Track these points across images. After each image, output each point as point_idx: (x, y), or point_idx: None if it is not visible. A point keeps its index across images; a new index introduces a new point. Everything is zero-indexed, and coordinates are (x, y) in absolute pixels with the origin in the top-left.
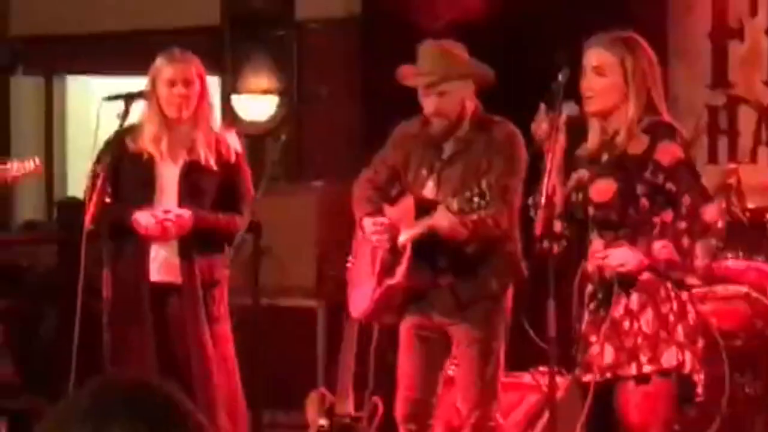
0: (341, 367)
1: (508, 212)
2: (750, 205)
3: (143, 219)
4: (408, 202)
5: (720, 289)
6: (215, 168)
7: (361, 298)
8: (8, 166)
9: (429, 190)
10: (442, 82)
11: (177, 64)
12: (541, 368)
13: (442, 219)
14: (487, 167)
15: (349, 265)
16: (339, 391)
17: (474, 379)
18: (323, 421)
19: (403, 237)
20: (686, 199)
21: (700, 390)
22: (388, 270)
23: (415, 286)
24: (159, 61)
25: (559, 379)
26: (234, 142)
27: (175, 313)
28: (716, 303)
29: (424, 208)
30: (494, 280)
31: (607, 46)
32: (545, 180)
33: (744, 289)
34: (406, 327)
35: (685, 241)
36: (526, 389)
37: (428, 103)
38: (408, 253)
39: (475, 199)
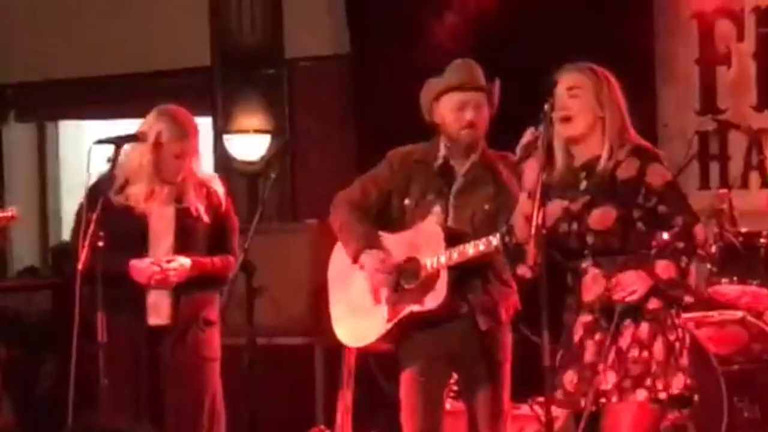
0: (339, 403)
1: None
2: (742, 230)
3: (145, 268)
4: (432, 229)
5: (715, 314)
6: (205, 217)
7: (363, 328)
8: None
9: (435, 217)
10: (481, 92)
11: (185, 141)
12: (539, 399)
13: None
14: (494, 206)
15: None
16: (337, 428)
17: (489, 410)
18: None
19: (439, 260)
20: (679, 220)
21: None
22: (401, 297)
23: (444, 313)
24: (163, 128)
25: (556, 409)
26: (218, 187)
27: (165, 354)
28: (712, 328)
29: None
30: (503, 309)
31: (580, 70)
32: (535, 210)
33: (739, 313)
34: (414, 363)
35: (684, 261)
36: (524, 420)
37: (463, 116)
38: (446, 278)
39: (506, 238)
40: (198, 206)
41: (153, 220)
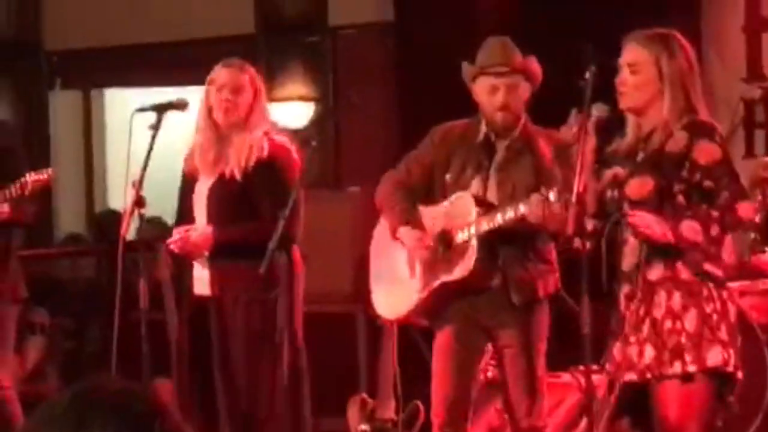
0: (381, 371)
1: None
2: None
3: (173, 237)
4: (464, 199)
5: (759, 283)
6: (240, 179)
7: (397, 299)
8: (25, 178)
9: (473, 191)
10: (514, 74)
11: (229, 69)
12: (581, 367)
13: (536, 208)
14: (553, 171)
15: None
16: (380, 396)
17: (522, 382)
18: (365, 426)
19: (469, 230)
20: (724, 194)
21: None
22: (433, 268)
23: (474, 283)
24: (215, 68)
25: (597, 377)
26: (261, 148)
27: (212, 326)
28: (756, 297)
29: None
30: (541, 286)
31: (643, 43)
32: (576, 179)
33: None
34: (446, 330)
35: (714, 230)
36: (566, 389)
37: (495, 99)
38: (475, 247)
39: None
40: (234, 170)
41: (200, 186)
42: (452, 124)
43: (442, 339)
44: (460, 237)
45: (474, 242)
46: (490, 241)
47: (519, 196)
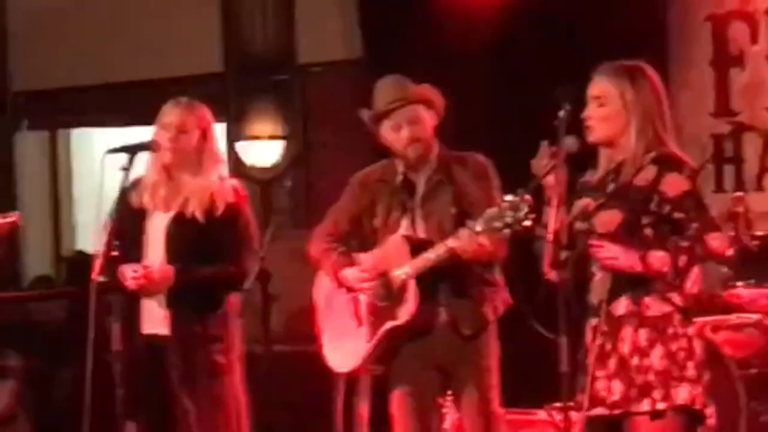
0: (356, 413)
1: None
2: (758, 233)
3: (127, 274)
4: (396, 241)
5: (732, 317)
6: (202, 221)
7: (348, 352)
8: None
9: (403, 231)
10: (410, 104)
11: (175, 110)
12: (556, 404)
13: (467, 241)
14: (474, 195)
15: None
16: None
17: (480, 420)
18: None
19: (404, 272)
20: (693, 225)
21: (712, 422)
22: (378, 315)
23: (421, 324)
24: (163, 108)
25: (573, 414)
26: (225, 194)
27: (171, 371)
28: (729, 332)
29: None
30: (489, 310)
31: (609, 76)
32: (552, 216)
33: (756, 316)
34: (401, 375)
35: (682, 260)
36: (541, 426)
37: (401, 135)
38: (414, 288)
39: (509, 213)
40: (195, 212)
41: (152, 223)
42: (369, 170)
43: (399, 392)
44: (397, 279)
45: (412, 283)
46: (429, 280)
47: (445, 227)
